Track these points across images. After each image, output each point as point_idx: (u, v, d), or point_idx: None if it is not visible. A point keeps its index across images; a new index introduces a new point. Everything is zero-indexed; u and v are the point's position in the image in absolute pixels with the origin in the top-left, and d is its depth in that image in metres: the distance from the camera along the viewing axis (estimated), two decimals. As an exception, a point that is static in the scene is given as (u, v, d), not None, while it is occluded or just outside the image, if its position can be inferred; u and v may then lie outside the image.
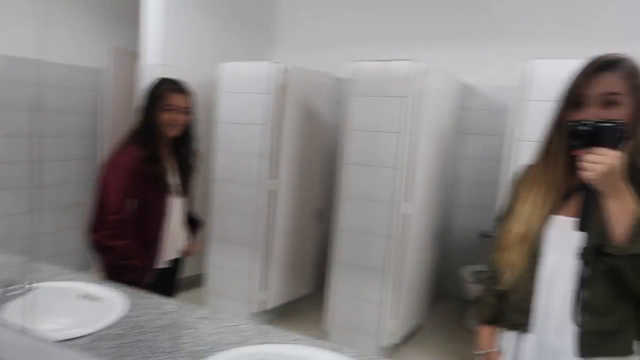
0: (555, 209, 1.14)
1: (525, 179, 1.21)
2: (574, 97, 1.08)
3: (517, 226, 1.17)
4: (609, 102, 1.05)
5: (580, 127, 1.00)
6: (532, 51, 2.32)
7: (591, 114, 1.05)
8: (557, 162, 1.14)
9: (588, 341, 1.08)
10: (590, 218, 1.01)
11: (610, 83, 1.05)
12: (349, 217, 2.64)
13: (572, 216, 1.09)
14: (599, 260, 1.04)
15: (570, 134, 1.03)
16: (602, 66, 1.06)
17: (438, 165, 2.85)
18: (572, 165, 1.09)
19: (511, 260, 1.17)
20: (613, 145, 0.97)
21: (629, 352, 1.09)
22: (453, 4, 3.65)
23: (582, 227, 1.02)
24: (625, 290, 1.06)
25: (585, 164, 0.97)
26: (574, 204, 1.11)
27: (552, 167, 1.15)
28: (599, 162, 0.96)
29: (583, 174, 0.98)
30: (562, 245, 1.11)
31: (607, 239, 1.01)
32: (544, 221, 1.14)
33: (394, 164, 2.49)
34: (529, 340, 1.16)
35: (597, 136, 0.98)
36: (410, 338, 2.96)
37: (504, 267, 1.19)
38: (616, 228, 1.00)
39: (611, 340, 1.08)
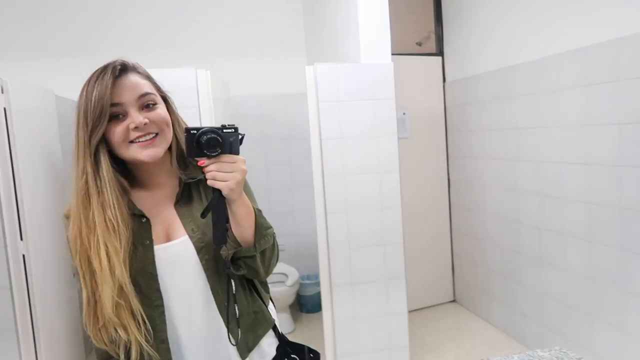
0: (151, 239, 1.02)
1: (86, 224, 0.96)
2: (110, 108, 0.95)
3: (113, 283, 0.93)
4: (147, 103, 1.00)
5: (205, 136, 0.92)
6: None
7: (136, 119, 0.97)
8: (112, 185, 0.97)
9: (242, 346, 1.08)
10: (225, 229, 0.96)
11: (139, 85, 1.00)
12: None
13: (169, 239, 1.03)
14: (236, 266, 1.04)
15: (193, 144, 0.92)
16: (121, 70, 0.99)
17: (52, 191, 2.53)
18: (122, 186, 1.00)
19: (127, 325, 0.95)
20: (237, 150, 0.95)
21: (270, 324, 1.16)
22: (43, 20, 3.34)
23: (220, 240, 0.95)
24: (250, 280, 1.12)
25: (218, 174, 0.92)
26: (162, 225, 1.04)
27: (108, 195, 0.96)
28: (233, 170, 0.92)
29: (218, 185, 0.92)
30: (180, 273, 1.03)
31: (239, 244, 1.01)
32: (151, 259, 1.00)
33: (-5, 199, 2.06)
34: None
35: (223, 143, 0.92)
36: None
37: (122, 340, 0.95)
38: (245, 230, 1.00)
39: (254, 330, 1.12)
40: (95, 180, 0.96)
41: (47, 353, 2.25)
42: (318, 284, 3.57)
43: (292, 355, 1.18)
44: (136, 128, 0.97)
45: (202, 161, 0.93)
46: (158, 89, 1.06)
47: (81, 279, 0.96)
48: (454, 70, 3.65)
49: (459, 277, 3.80)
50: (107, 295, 0.92)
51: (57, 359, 2.39)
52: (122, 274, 0.94)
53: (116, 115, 0.97)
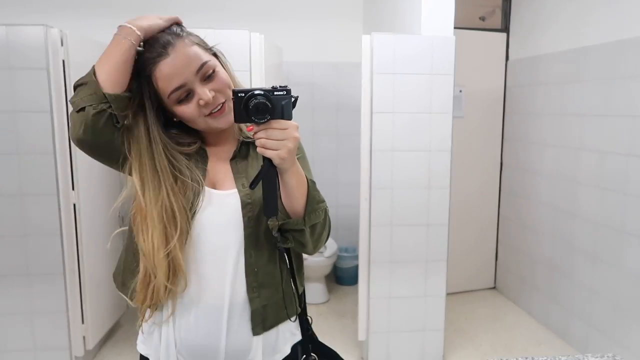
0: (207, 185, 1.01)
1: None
2: (176, 92, 0.94)
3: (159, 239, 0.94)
4: (207, 73, 0.95)
5: (253, 100, 0.84)
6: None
7: (204, 96, 0.94)
8: (166, 163, 0.98)
9: (257, 320, 1.02)
10: (276, 200, 0.90)
11: (192, 56, 0.94)
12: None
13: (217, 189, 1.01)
14: (284, 238, 1.00)
15: (241, 108, 0.85)
16: (167, 42, 0.93)
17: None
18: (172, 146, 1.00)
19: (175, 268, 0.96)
20: (289, 115, 0.86)
21: (294, 311, 1.09)
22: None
23: (271, 212, 0.90)
24: (291, 259, 1.08)
25: (268, 142, 0.85)
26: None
27: (161, 164, 0.97)
28: (284, 137, 0.85)
29: (268, 153, 0.86)
30: (220, 224, 1.00)
31: (288, 215, 0.97)
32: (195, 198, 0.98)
33: (50, 149, 2.13)
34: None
35: (273, 108, 0.84)
36: (108, 339, 2.71)
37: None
38: (295, 202, 0.95)
39: (276, 309, 1.05)
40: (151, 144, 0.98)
41: (90, 295, 2.36)
42: (355, 257, 3.54)
43: (312, 354, 1.12)
44: (206, 104, 0.95)
45: (251, 127, 0.87)
46: (206, 48, 0.99)
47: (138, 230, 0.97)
48: (518, 48, 3.43)
49: (501, 265, 3.67)
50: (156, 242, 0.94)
51: (100, 302, 2.50)
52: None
53: (184, 95, 0.95)
